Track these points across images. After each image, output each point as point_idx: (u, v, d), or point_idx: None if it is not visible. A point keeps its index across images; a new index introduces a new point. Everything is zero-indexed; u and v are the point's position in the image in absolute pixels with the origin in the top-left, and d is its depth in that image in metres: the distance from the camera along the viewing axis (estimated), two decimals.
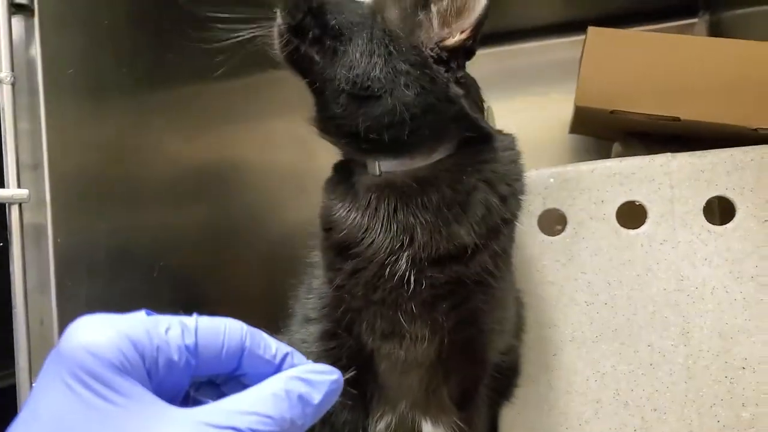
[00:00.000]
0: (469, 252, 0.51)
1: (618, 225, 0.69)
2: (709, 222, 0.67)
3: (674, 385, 0.67)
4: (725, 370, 0.66)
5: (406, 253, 0.51)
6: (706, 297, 0.67)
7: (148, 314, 0.32)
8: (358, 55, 0.49)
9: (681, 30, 1.15)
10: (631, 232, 0.69)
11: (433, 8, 0.50)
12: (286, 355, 0.34)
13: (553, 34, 1.22)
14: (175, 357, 0.30)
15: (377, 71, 0.48)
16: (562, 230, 0.71)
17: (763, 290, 0.66)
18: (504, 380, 0.68)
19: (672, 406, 0.67)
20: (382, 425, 0.64)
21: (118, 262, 0.66)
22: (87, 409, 0.27)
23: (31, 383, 0.56)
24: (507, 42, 1.25)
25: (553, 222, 0.71)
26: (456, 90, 0.51)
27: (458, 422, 0.61)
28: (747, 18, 1.09)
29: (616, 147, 0.90)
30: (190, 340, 0.31)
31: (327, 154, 1.17)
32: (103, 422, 0.27)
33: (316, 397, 0.32)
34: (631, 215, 0.69)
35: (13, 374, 0.56)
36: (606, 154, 1.03)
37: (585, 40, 0.74)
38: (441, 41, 0.50)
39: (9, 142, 0.55)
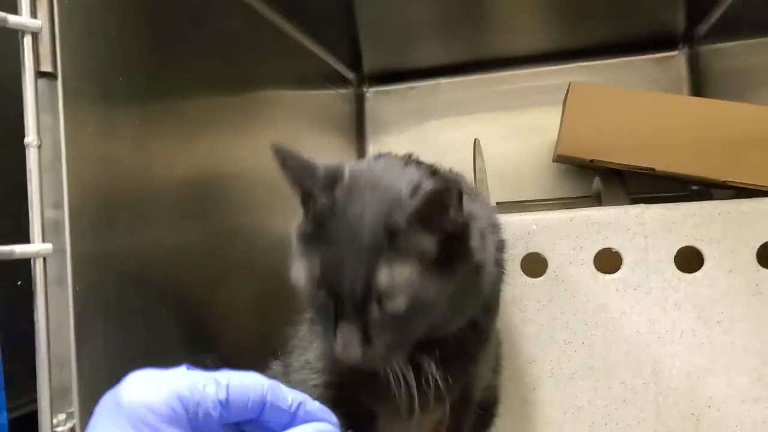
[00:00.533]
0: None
1: (595, 270, 0.74)
2: (680, 270, 0.72)
3: (645, 421, 0.73)
4: (692, 407, 0.72)
5: None
6: (676, 339, 0.72)
7: (188, 368, 0.39)
8: None
9: (661, 62, 1.20)
10: (607, 277, 0.74)
11: None
12: (300, 404, 0.42)
13: (540, 62, 1.27)
14: (211, 410, 0.37)
15: None
16: (543, 273, 0.76)
17: (728, 334, 0.71)
18: (485, 414, 0.73)
19: None
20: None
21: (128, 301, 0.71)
22: None
23: (51, 421, 0.61)
24: (494, 69, 1.30)
25: (535, 265, 0.76)
26: None
27: None
28: (726, 51, 1.13)
29: (597, 181, 0.95)
30: (222, 396, 0.38)
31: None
32: None
33: None
34: (608, 261, 0.74)
35: (31, 402, 0.61)
36: (588, 183, 1.09)
37: (567, 94, 0.79)
38: None
39: (35, 202, 0.59)
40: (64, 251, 0.62)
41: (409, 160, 0.63)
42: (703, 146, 0.74)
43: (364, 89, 1.39)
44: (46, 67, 0.60)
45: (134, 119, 0.71)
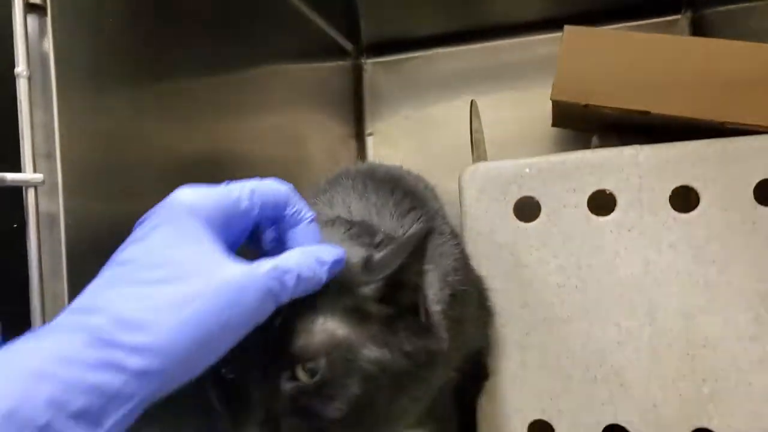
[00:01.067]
0: None
1: (589, 212, 0.74)
2: (675, 210, 0.71)
3: (639, 362, 0.72)
4: (687, 348, 0.71)
5: None
6: (671, 280, 0.71)
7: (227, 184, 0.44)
8: None
9: (663, 27, 1.19)
10: (601, 219, 0.73)
11: None
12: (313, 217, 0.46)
13: (536, 31, 1.27)
14: (243, 205, 0.42)
15: None
16: (536, 217, 0.75)
17: (724, 273, 0.70)
18: (472, 382, 0.73)
19: (637, 382, 0.72)
20: None
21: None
22: (187, 244, 0.38)
23: None
24: (490, 38, 1.29)
25: (528, 209, 0.76)
26: None
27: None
28: (729, 15, 1.12)
29: (595, 140, 0.95)
30: (254, 196, 0.43)
31: (314, 145, 1.23)
32: (196, 251, 0.38)
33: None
34: (602, 203, 0.74)
35: None
36: (586, 147, 1.08)
37: (561, 38, 0.79)
38: None
39: (26, 131, 0.60)
40: (56, 183, 0.62)
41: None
42: (701, 87, 0.74)
43: (363, 61, 1.39)
44: None
45: (123, 49, 0.72)
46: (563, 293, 0.74)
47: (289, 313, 0.41)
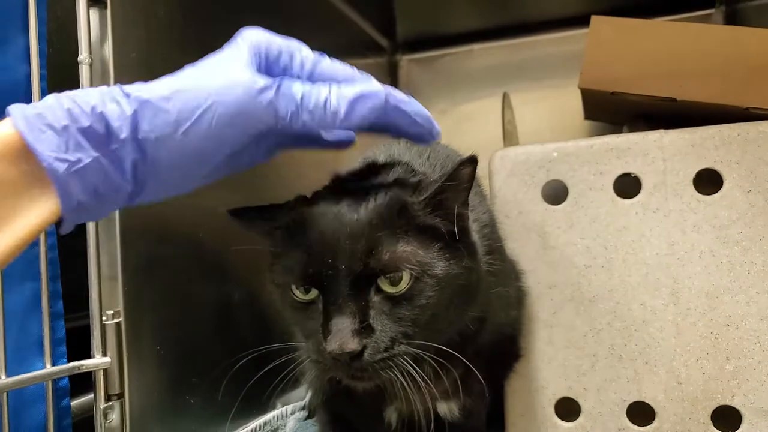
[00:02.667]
0: None
1: (615, 195, 0.76)
2: (699, 192, 0.73)
3: (664, 341, 0.74)
4: (711, 326, 0.73)
5: None
6: (695, 260, 0.73)
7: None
8: None
9: (697, 20, 1.20)
10: (627, 201, 0.76)
11: None
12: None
13: (569, 27, 1.29)
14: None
15: None
16: (564, 200, 0.78)
17: (747, 254, 0.72)
18: (503, 358, 0.77)
19: (662, 360, 0.74)
20: (393, 411, 0.73)
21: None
22: (227, 59, 0.47)
23: (101, 318, 0.67)
24: (524, 34, 1.32)
25: (556, 192, 0.79)
26: None
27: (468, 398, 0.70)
28: (763, 9, 1.13)
29: (625, 129, 0.97)
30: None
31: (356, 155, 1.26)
32: (228, 63, 0.47)
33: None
34: (627, 186, 0.76)
35: (86, 316, 0.67)
36: None
37: (589, 27, 0.81)
38: None
39: None
40: None
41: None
42: (725, 74, 0.75)
43: (398, 57, 1.43)
44: None
45: (174, 41, 0.78)
46: (590, 273, 0.77)
47: (370, 239, 0.50)
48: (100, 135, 0.41)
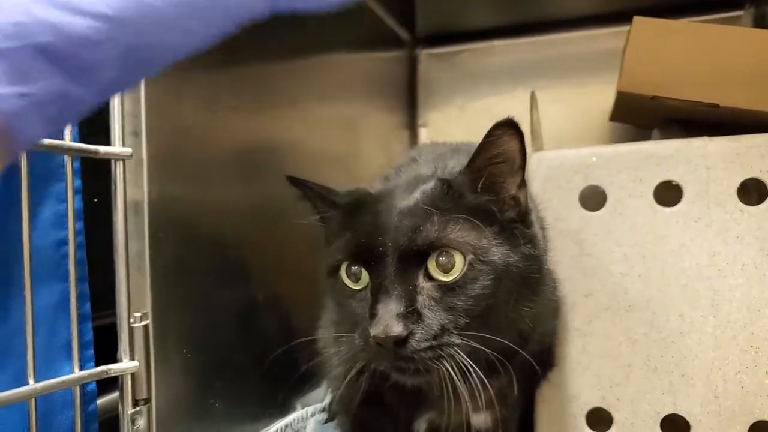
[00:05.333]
0: None
1: (654, 203, 0.74)
2: (743, 202, 0.71)
3: (702, 353, 0.72)
4: (751, 340, 0.71)
5: None
6: (736, 272, 0.72)
7: None
8: None
9: (726, 23, 1.18)
10: (667, 209, 0.74)
11: None
12: None
13: (595, 25, 1.26)
14: None
15: None
16: (602, 206, 0.76)
17: None
18: (539, 369, 0.74)
19: (699, 373, 0.72)
20: (424, 422, 0.71)
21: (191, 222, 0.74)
22: None
23: (129, 320, 0.65)
24: (550, 31, 1.29)
25: (594, 198, 0.77)
26: None
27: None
28: None
29: (655, 133, 0.95)
30: None
31: (366, 134, 1.25)
32: None
33: None
34: (667, 194, 0.74)
35: (113, 314, 0.65)
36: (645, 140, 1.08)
37: (630, 28, 0.79)
38: None
39: (116, 109, 0.64)
40: (141, 158, 0.66)
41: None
42: None
43: (418, 51, 1.40)
44: None
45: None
46: (627, 282, 0.75)
47: (417, 216, 0.49)
48: None
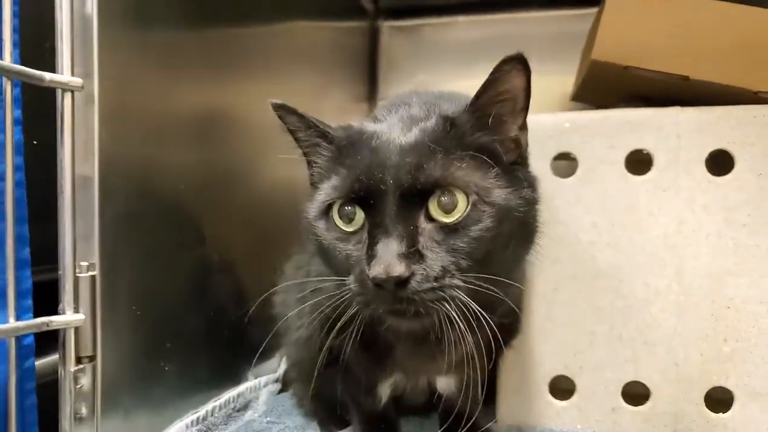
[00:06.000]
0: None
1: (626, 171, 0.74)
2: (710, 172, 0.72)
3: (665, 321, 0.73)
4: (712, 308, 0.72)
5: None
6: (701, 241, 0.72)
7: None
8: None
9: None
10: (638, 178, 0.74)
11: None
12: None
13: (560, 6, 1.26)
14: None
15: None
16: (574, 173, 0.75)
17: (753, 237, 0.71)
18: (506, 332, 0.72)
19: (661, 340, 0.73)
20: (388, 387, 0.69)
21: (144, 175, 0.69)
22: None
23: (74, 269, 0.59)
24: (514, 9, 1.28)
25: (565, 165, 0.76)
26: None
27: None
28: None
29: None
30: None
31: (325, 106, 1.21)
32: None
33: None
34: (639, 162, 0.74)
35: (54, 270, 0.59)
36: None
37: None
38: None
39: (65, 32, 0.57)
40: (92, 94, 0.60)
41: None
42: (739, 55, 0.74)
43: (380, 23, 1.36)
44: None
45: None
46: (594, 250, 0.75)
47: (420, 154, 0.46)
48: None
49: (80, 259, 0.59)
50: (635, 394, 0.74)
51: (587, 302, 0.75)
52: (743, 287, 0.71)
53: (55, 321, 0.57)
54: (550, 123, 0.76)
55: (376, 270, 0.44)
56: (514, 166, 0.53)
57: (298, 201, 0.63)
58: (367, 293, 0.47)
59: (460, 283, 0.47)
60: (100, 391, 0.60)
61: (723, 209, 0.72)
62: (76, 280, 0.58)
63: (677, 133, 0.72)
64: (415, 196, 0.47)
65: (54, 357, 0.60)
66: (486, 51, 1.28)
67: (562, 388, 0.76)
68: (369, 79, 1.36)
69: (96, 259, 0.60)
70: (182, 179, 0.75)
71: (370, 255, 0.46)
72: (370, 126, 0.54)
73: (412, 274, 0.45)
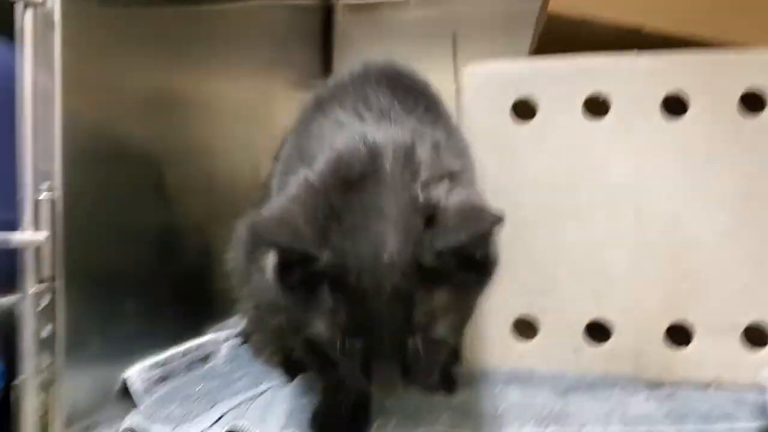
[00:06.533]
0: None
1: (583, 115, 0.76)
2: (665, 117, 0.75)
3: (625, 261, 0.75)
4: (670, 246, 0.74)
5: None
6: (658, 183, 0.74)
7: None
8: None
9: None
10: (595, 122, 0.76)
11: None
12: None
13: None
14: None
15: None
16: (532, 119, 0.77)
17: (707, 178, 0.73)
18: None
19: (621, 279, 0.74)
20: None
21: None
22: None
23: (35, 192, 0.58)
24: None
25: (524, 111, 0.78)
26: None
27: None
28: None
29: None
30: None
31: (278, 86, 1.21)
32: None
33: None
34: (596, 107, 0.76)
35: None
36: None
37: None
38: None
39: None
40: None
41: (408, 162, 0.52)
42: (693, 3, 0.77)
43: (334, 1, 1.37)
44: None
45: None
46: (554, 194, 0.76)
47: (406, 296, 0.47)
48: None
49: (41, 180, 0.58)
50: (600, 332, 0.76)
51: (548, 245, 0.76)
52: (699, 225, 0.73)
53: (15, 239, 0.56)
54: (510, 68, 0.78)
55: (376, 389, 0.51)
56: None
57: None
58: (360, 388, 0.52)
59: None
60: (64, 313, 0.59)
61: (678, 152, 0.74)
62: (37, 201, 0.58)
63: (633, 77, 0.75)
64: (405, 333, 0.48)
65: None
66: (443, 27, 1.31)
67: (525, 329, 0.77)
68: (323, 59, 1.37)
69: (58, 181, 0.59)
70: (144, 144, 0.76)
71: (368, 372, 0.49)
72: (349, 228, 0.49)
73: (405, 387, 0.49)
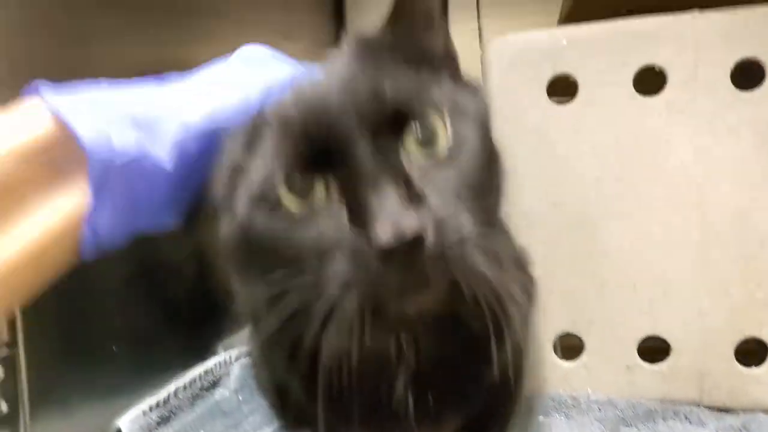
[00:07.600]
0: None
1: (635, 91, 0.63)
2: (737, 87, 0.61)
3: (686, 266, 0.63)
4: (741, 249, 0.62)
5: None
6: (727, 170, 0.62)
7: None
8: None
9: None
10: (649, 99, 0.63)
11: None
12: None
13: None
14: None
15: None
16: (574, 97, 0.64)
17: None
18: None
19: (682, 288, 0.63)
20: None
21: None
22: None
23: None
24: None
25: (564, 88, 0.65)
26: None
27: None
28: None
29: None
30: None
31: (287, 51, 1.11)
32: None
33: None
34: (650, 81, 0.63)
35: None
36: None
37: None
38: None
39: None
40: None
41: None
42: None
43: None
44: None
45: None
46: (601, 187, 0.64)
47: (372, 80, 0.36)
48: None
49: None
50: (656, 349, 0.65)
51: (595, 248, 0.65)
52: None
53: None
54: (544, 41, 0.64)
55: (383, 229, 0.31)
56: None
57: None
58: (371, 272, 0.32)
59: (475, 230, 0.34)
60: (26, 383, 0.51)
61: (752, 131, 0.61)
62: None
63: (695, 42, 0.61)
64: (388, 133, 0.36)
65: None
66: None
67: (571, 347, 0.67)
68: (336, 20, 1.26)
69: None
70: None
71: (360, 217, 0.33)
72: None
73: (425, 217, 0.32)
